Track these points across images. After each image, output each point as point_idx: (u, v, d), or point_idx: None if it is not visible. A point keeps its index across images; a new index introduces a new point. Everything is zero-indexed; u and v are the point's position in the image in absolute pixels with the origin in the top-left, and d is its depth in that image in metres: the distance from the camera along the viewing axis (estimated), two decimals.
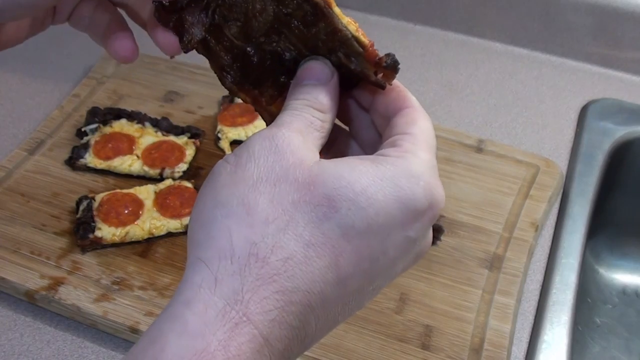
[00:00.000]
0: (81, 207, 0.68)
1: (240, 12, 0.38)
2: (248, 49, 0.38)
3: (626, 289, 0.92)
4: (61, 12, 0.42)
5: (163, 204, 0.69)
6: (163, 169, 0.73)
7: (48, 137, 0.78)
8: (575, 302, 0.66)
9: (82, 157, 0.74)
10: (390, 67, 0.37)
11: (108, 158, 0.74)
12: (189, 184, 0.71)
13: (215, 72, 0.40)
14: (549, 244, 0.72)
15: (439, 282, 0.65)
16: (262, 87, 0.39)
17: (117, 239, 0.66)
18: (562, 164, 0.80)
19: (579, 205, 0.75)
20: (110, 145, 0.74)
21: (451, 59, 0.97)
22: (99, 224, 0.66)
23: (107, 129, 0.76)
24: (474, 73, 0.95)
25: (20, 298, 0.63)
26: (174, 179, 0.73)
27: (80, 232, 0.66)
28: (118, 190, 0.70)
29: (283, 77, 0.39)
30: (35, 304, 0.63)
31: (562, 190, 0.76)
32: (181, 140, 0.76)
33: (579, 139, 0.83)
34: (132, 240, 0.67)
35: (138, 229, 0.66)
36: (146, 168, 0.73)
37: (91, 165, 0.74)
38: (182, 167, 0.74)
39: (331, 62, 0.38)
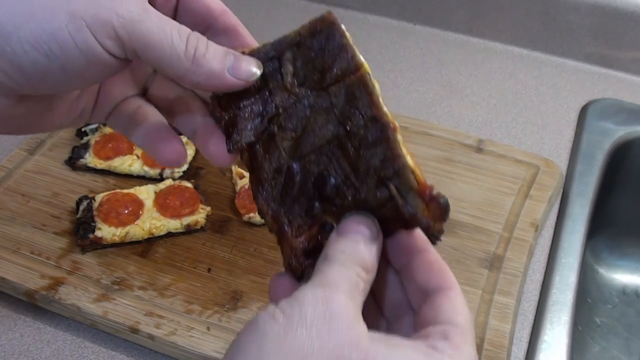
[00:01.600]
0: (81, 207, 0.68)
1: (299, 124, 0.37)
2: (294, 165, 0.37)
3: (626, 289, 0.92)
4: (102, 108, 0.41)
5: (163, 204, 0.69)
6: (163, 169, 0.73)
7: (48, 137, 0.78)
8: (575, 302, 0.66)
9: (82, 157, 0.74)
10: (444, 206, 0.34)
11: (108, 158, 0.74)
12: (189, 184, 0.71)
13: (251, 184, 0.38)
14: (549, 244, 0.72)
15: None
16: (293, 212, 0.37)
17: (117, 239, 0.66)
18: (562, 164, 0.80)
19: (579, 205, 0.75)
20: (110, 145, 0.74)
21: (451, 59, 0.97)
22: (99, 224, 0.66)
23: (107, 129, 0.76)
24: (474, 73, 0.95)
25: (20, 298, 0.63)
26: (174, 179, 0.73)
27: (80, 232, 0.66)
28: (118, 190, 0.70)
29: (317, 204, 0.36)
30: (35, 304, 0.63)
31: (562, 190, 0.76)
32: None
33: (579, 139, 0.83)
34: (132, 240, 0.67)
35: (138, 229, 0.67)
36: (146, 168, 0.73)
37: (91, 165, 0.74)
38: (182, 167, 0.74)
39: (377, 197, 0.35)
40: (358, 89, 0.36)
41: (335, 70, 0.37)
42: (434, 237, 0.36)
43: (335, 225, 0.36)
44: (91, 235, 0.66)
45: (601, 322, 0.88)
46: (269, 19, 1.05)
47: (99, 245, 0.66)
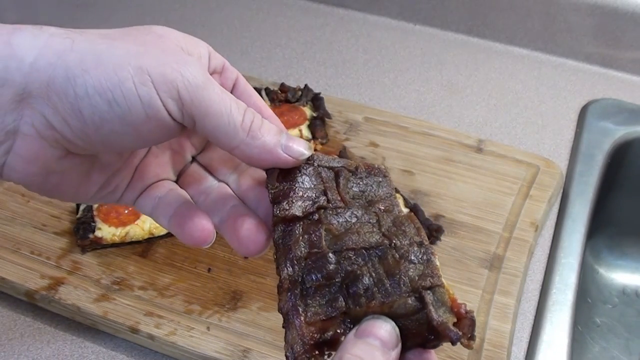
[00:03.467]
0: (81, 207, 0.68)
1: (344, 225, 0.38)
2: (330, 255, 0.36)
3: (626, 289, 0.92)
4: (135, 187, 0.40)
5: None
6: None
7: None
8: (575, 302, 0.66)
9: None
10: (473, 322, 0.34)
11: None
12: None
13: (278, 259, 0.38)
14: (549, 244, 0.72)
15: None
16: (312, 299, 0.36)
17: (117, 239, 0.66)
18: (562, 164, 0.80)
19: (579, 205, 0.75)
20: None
21: (451, 59, 0.97)
22: (99, 224, 0.66)
23: None
24: (474, 73, 0.95)
25: (20, 298, 0.63)
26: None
27: (81, 232, 0.66)
28: None
29: (341, 300, 0.35)
30: (35, 304, 0.63)
31: (562, 190, 0.76)
32: None
33: (579, 139, 0.83)
34: (132, 240, 0.67)
35: (138, 229, 0.67)
36: None
37: None
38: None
39: (407, 305, 0.35)
40: (406, 221, 0.38)
41: (381, 205, 0.39)
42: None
43: (353, 324, 0.35)
44: (91, 235, 0.66)
45: (601, 322, 0.88)
46: (269, 19, 1.05)
47: (99, 245, 0.66)
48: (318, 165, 0.40)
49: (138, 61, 0.33)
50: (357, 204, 0.39)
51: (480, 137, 0.80)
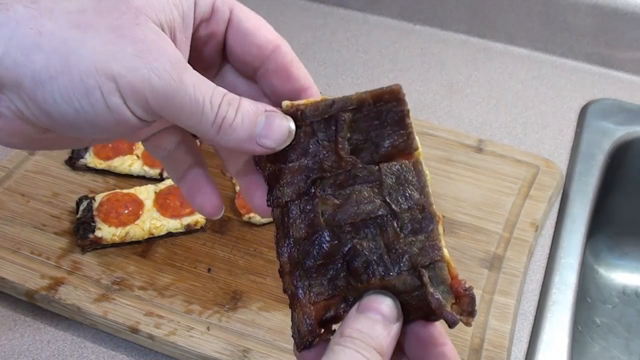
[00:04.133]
0: (81, 207, 0.68)
1: (343, 193, 0.36)
2: (326, 234, 0.36)
3: (626, 289, 0.92)
4: (138, 135, 0.40)
5: (163, 204, 0.69)
6: (163, 169, 0.73)
7: None
8: (575, 302, 0.66)
9: (82, 157, 0.74)
10: (474, 301, 0.34)
11: (108, 158, 0.74)
12: None
13: (277, 242, 0.37)
14: (549, 244, 0.72)
15: None
16: (314, 278, 0.36)
17: (117, 239, 0.66)
18: (562, 164, 0.80)
19: (579, 205, 0.75)
20: (110, 145, 0.74)
21: (451, 59, 0.97)
22: (99, 224, 0.66)
23: None
24: (474, 73, 0.95)
25: (20, 298, 0.63)
26: None
27: (81, 232, 0.66)
28: (118, 190, 0.70)
29: (343, 275, 0.35)
30: (35, 304, 0.63)
31: (562, 190, 0.76)
32: None
33: (579, 139, 0.83)
34: (132, 240, 0.67)
35: (138, 229, 0.67)
36: (146, 168, 0.73)
37: (91, 165, 0.74)
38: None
39: (407, 283, 0.35)
40: (411, 172, 0.36)
41: (390, 144, 0.36)
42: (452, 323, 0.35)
43: (356, 300, 0.35)
44: (91, 235, 0.66)
45: (601, 322, 0.88)
46: (269, 19, 1.04)
47: (99, 245, 0.66)
48: (311, 122, 0.37)
49: (106, 68, 0.31)
50: (361, 157, 0.36)
51: (480, 137, 0.80)
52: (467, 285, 0.34)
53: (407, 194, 0.36)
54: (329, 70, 0.95)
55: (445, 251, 0.35)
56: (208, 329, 0.60)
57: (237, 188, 0.72)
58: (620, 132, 0.84)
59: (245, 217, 0.69)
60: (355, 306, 0.35)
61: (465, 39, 1.00)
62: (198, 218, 0.68)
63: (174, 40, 0.34)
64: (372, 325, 0.34)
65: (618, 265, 0.93)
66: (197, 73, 0.34)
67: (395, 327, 0.34)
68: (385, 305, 0.34)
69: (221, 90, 0.34)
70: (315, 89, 0.39)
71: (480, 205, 0.72)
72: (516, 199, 0.72)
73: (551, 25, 0.95)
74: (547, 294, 0.66)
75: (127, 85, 0.32)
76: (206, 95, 0.34)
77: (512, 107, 0.89)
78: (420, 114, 0.87)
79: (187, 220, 0.68)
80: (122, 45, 0.32)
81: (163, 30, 0.33)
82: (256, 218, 0.69)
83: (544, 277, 0.68)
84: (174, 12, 0.34)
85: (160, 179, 0.73)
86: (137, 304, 0.62)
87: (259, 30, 0.38)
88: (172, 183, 0.71)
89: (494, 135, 0.84)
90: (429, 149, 0.78)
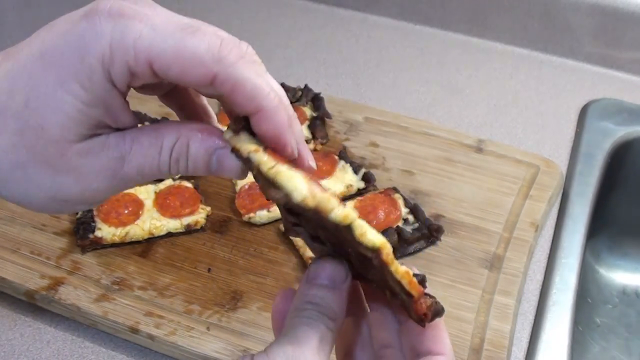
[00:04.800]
0: None
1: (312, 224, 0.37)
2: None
3: (626, 289, 0.92)
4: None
5: (163, 204, 0.69)
6: None
7: None
8: (575, 302, 0.66)
9: None
10: (434, 316, 0.36)
11: None
12: (189, 184, 0.71)
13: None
14: (549, 244, 0.72)
15: (439, 282, 0.65)
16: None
17: (117, 239, 0.66)
18: (562, 164, 0.80)
19: (579, 205, 0.75)
20: None
21: (451, 59, 0.97)
22: (99, 224, 0.66)
23: None
24: (474, 73, 0.95)
25: (20, 298, 0.63)
26: (174, 179, 0.73)
27: (80, 232, 0.66)
28: None
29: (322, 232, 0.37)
30: (35, 304, 0.63)
31: (562, 190, 0.76)
32: None
33: (579, 139, 0.83)
34: (132, 240, 0.67)
35: (138, 229, 0.67)
36: None
37: None
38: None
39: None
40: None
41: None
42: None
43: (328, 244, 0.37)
44: (91, 235, 0.66)
45: (601, 322, 0.88)
46: (269, 19, 1.05)
47: (99, 245, 0.66)
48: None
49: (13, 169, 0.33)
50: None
51: (480, 137, 0.80)
52: (428, 303, 0.35)
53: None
54: (329, 70, 0.95)
55: (404, 280, 0.35)
56: (208, 329, 0.60)
57: (238, 188, 0.72)
58: (620, 132, 0.84)
59: (245, 217, 0.69)
60: (305, 277, 0.37)
61: (465, 39, 1.00)
62: (198, 218, 0.68)
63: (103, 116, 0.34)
64: (322, 296, 0.36)
65: (618, 265, 0.93)
66: (136, 156, 0.35)
67: (343, 289, 0.36)
68: (328, 269, 0.36)
69: (166, 150, 0.35)
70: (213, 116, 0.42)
71: (480, 205, 0.72)
72: (516, 199, 0.72)
73: (551, 25, 0.95)
74: (547, 294, 0.66)
75: (31, 178, 0.34)
76: (152, 166, 0.35)
77: (512, 107, 0.89)
78: (420, 114, 0.87)
79: (187, 220, 0.68)
80: (62, 177, 0.34)
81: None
82: (256, 218, 0.69)
83: (544, 277, 0.68)
84: (83, 59, 0.32)
85: (160, 179, 0.73)
86: (137, 304, 0.62)
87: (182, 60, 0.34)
88: (172, 183, 0.71)
89: (494, 135, 0.84)
90: (429, 149, 0.78)
